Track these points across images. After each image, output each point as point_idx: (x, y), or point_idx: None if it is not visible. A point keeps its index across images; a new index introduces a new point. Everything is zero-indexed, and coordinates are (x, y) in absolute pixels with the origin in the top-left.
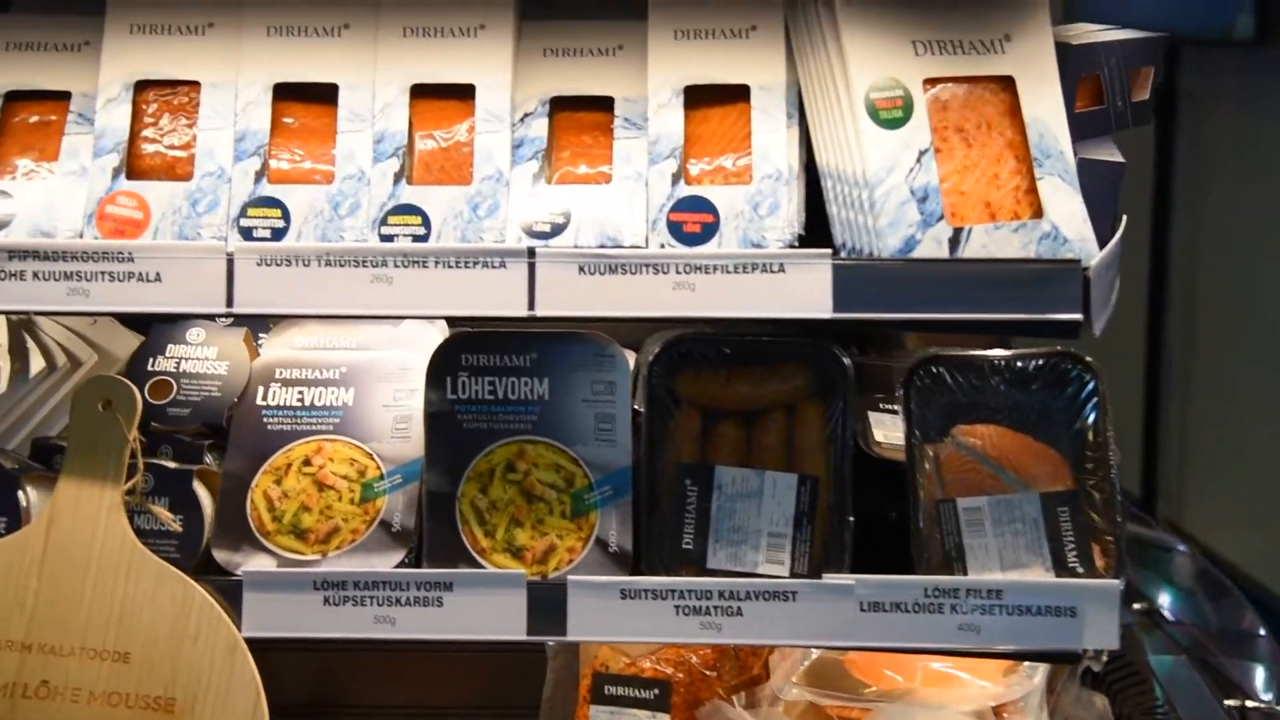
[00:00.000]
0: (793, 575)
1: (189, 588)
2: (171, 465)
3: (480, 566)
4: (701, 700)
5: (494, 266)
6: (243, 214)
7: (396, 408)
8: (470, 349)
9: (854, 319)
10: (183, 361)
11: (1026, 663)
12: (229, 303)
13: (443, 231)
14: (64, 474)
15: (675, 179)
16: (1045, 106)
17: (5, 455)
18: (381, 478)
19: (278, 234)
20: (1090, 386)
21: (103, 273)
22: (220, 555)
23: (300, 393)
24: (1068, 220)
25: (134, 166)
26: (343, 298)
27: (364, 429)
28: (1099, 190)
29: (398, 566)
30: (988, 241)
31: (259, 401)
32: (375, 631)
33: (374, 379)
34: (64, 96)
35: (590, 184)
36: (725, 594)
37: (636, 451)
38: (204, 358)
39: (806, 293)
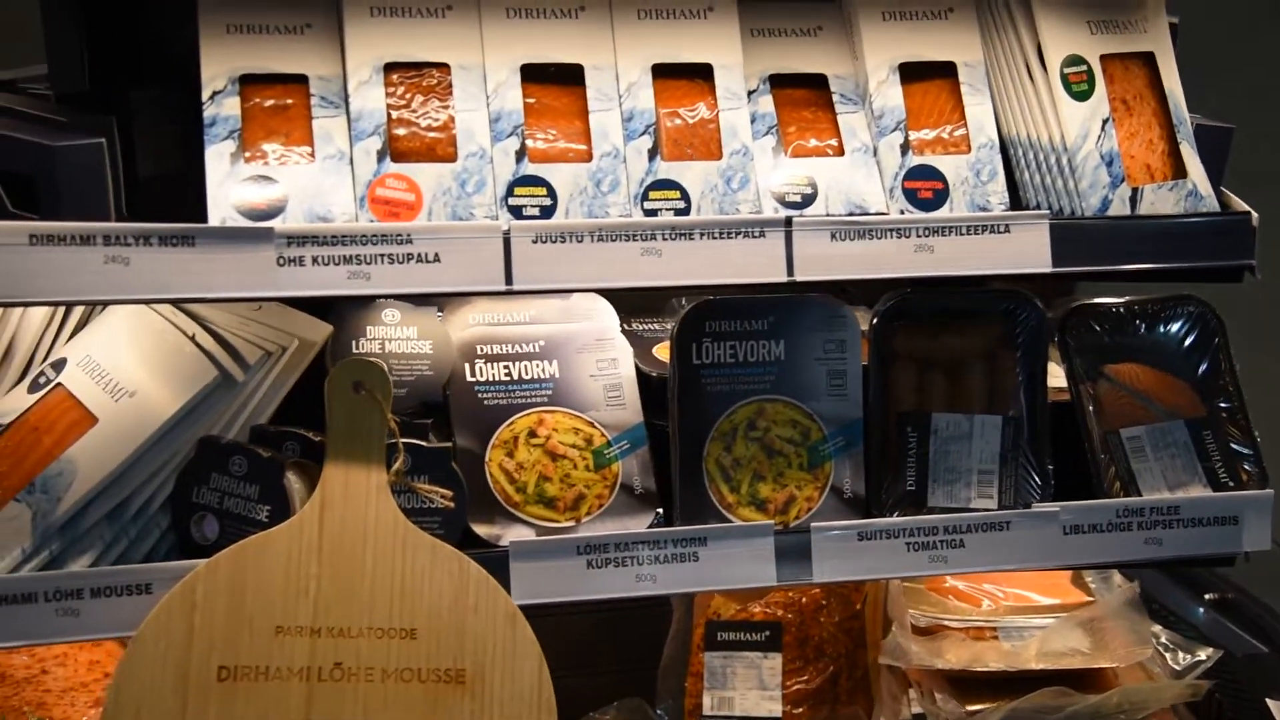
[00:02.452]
0: (1001, 507)
1: (464, 561)
2: (428, 444)
3: (727, 521)
4: (811, 637)
5: (754, 236)
6: (509, 193)
7: (603, 377)
8: (712, 316)
9: (1069, 273)
10: (387, 343)
11: (1090, 576)
12: (508, 280)
13: (701, 205)
14: (329, 459)
15: (904, 150)
16: (1175, 79)
17: (258, 444)
18: (610, 444)
19: (546, 211)
20: (1212, 325)
21: (382, 255)
22: (480, 529)
23: (506, 367)
24: (1201, 179)
25: (394, 149)
26: (615, 271)
27: (578, 399)
28: (1210, 154)
29: (650, 527)
30: (1154, 200)
31: (469, 378)
32: (638, 589)
33: (574, 350)
34: (297, 80)
35: (824, 156)
36: (949, 529)
37: (865, 404)
38: (406, 337)
39: (1028, 250)
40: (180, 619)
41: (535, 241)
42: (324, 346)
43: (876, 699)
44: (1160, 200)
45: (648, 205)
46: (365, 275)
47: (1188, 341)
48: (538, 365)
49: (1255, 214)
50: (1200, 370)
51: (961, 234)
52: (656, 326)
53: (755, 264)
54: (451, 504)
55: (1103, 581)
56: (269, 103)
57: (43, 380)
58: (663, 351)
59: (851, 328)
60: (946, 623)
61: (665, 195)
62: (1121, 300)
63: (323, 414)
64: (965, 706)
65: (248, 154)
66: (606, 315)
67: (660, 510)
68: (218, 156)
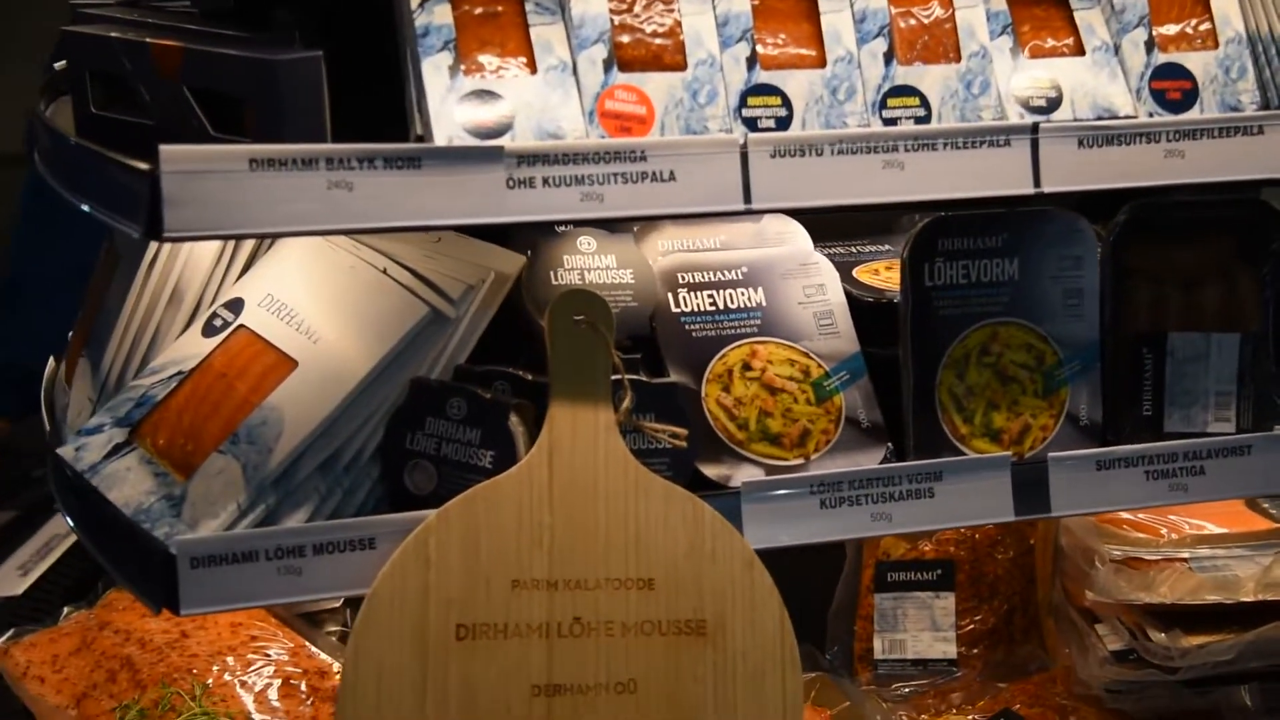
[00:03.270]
0: (1239, 431)
1: (698, 505)
2: (652, 380)
3: (962, 453)
4: (986, 574)
5: (999, 145)
6: (743, 104)
7: (812, 304)
8: (945, 234)
9: None
10: (586, 273)
11: (1267, 503)
12: (746, 199)
13: (942, 112)
14: (555, 398)
15: (1149, 47)
16: None
17: (475, 387)
18: (828, 375)
19: (781, 123)
20: None
21: (615, 174)
22: (708, 470)
23: (711, 296)
24: None
25: (620, 58)
26: (856, 186)
27: (789, 328)
28: None
29: (882, 463)
30: None
31: (674, 309)
32: (874, 530)
33: (778, 277)
34: None
35: (1063, 56)
36: (1189, 454)
37: (1101, 325)
38: (606, 266)
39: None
40: (415, 576)
41: (774, 156)
42: (518, 279)
43: (1048, 637)
44: None
45: (886, 114)
46: (599, 196)
47: None
48: (743, 293)
49: None
50: None
51: (1214, 137)
52: (847, 249)
53: (1000, 175)
54: (683, 443)
55: None
56: (478, 10)
57: (219, 323)
58: (864, 274)
59: (1089, 242)
60: (1142, 555)
61: (904, 102)
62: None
63: (517, 352)
64: (1188, 641)
65: (465, 66)
66: (801, 238)
67: (890, 444)
68: (435, 70)
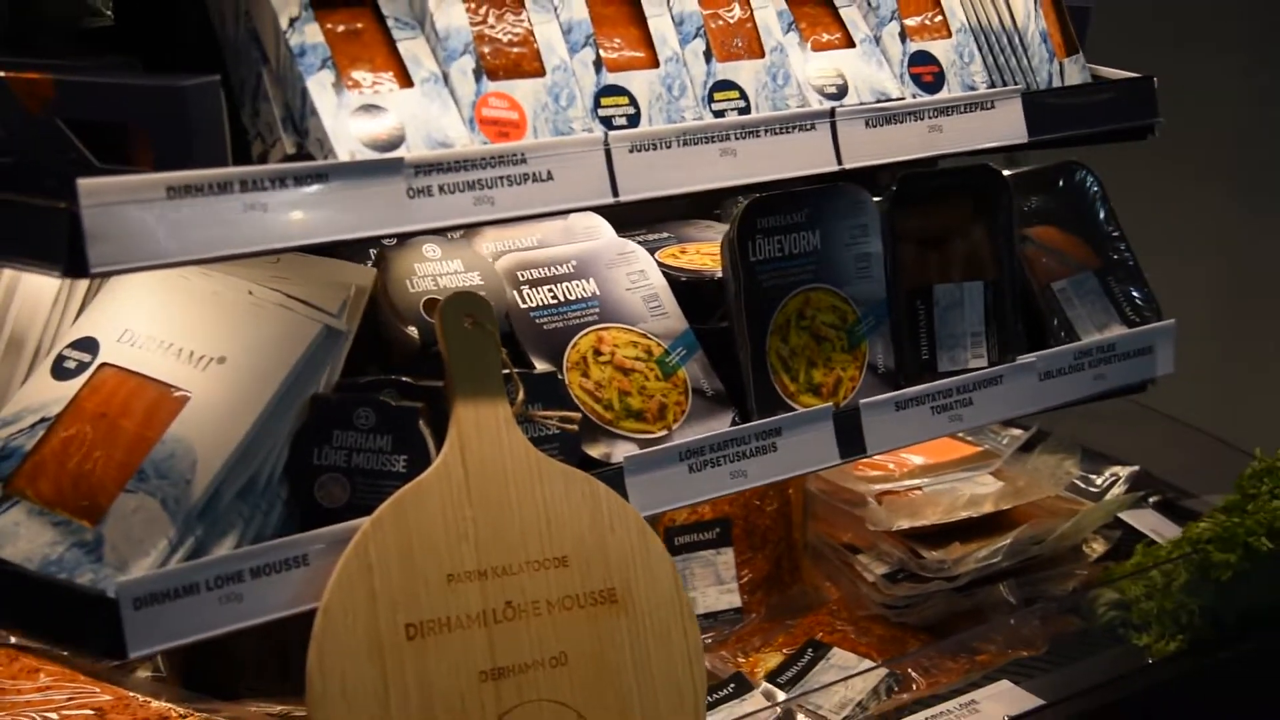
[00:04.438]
0: (990, 364)
1: (593, 483)
2: (534, 372)
3: (792, 409)
4: (757, 527)
5: (807, 129)
6: (597, 105)
7: (638, 289)
8: (762, 213)
9: (1040, 140)
10: (439, 278)
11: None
12: (614, 192)
13: (758, 102)
14: (457, 398)
15: (903, 37)
16: None
17: (378, 394)
18: (668, 352)
19: (632, 120)
20: (1094, 185)
21: (502, 178)
22: (590, 450)
23: (551, 290)
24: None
25: (486, 68)
26: (701, 173)
27: (624, 313)
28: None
29: (731, 425)
30: (1070, 72)
31: (522, 305)
32: (733, 486)
33: (604, 267)
34: (358, 2)
35: (839, 49)
36: (960, 389)
37: (886, 283)
38: (454, 271)
39: (1010, 124)
40: (361, 584)
41: (632, 151)
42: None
43: (808, 576)
44: (1070, 72)
45: (714, 107)
46: (490, 200)
47: (1079, 201)
48: (578, 285)
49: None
50: (1093, 226)
51: (961, 112)
52: (642, 238)
53: (810, 156)
54: (575, 426)
55: (992, 435)
56: (340, 28)
57: (72, 364)
58: (666, 257)
59: (871, 212)
60: (890, 489)
61: (728, 96)
62: (1019, 170)
63: (369, 363)
64: (958, 553)
65: (346, 83)
66: (608, 230)
67: (735, 410)
68: (321, 87)
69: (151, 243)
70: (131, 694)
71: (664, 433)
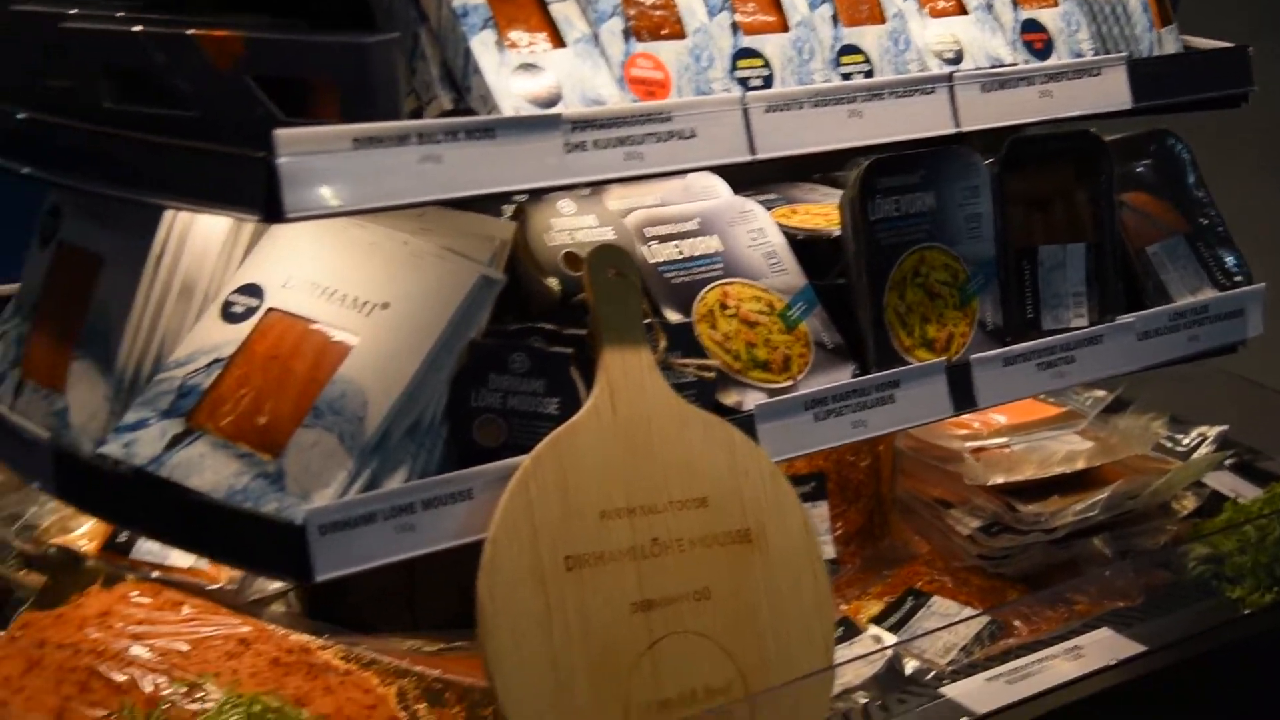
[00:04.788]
0: (1090, 324)
1: (729, 429)
2: (673, 322)
3: (908, 363)
4: (850, 481)
5: (927, 93)
6: (734, 66)
7: (759, 247)
8: (882, 174)
9: (1144, 107)
10: (575, 232)
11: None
12: (751, 150)
13: (881, 66)
14: (605, 344)
15: (1014, 5)
16: None
17: (531, 337)
18: (789, 307)
19: (767, 82)
20: (1184, 152)
21: (650, 135)
22: (723, 398)
23: (677, 246)
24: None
25: (633, 29)
26: (830, 134)
27: (747, 269)
28: None
29: (853, 378)
30: (1166, 41)
31: (650, 260)
32: (854, 435)
33: (725, 224)
34: None
35: (954, 15)
36: (1064, 346)
37: (995, 243)
38: (589, 226)
39: (1113, 90)
40: (523, 517)
41: (768, 110)
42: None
43: (897, 530)
44: (1167, 41)
45: (841, 70)
46: (639, 156)
47: (1169, 168)
48: (703, 241)
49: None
50: (1183, 192)
51: (1070, 78)
52: (757, 198)
53: (929, 119)
54: (713, 374)
55: (1074, 396)
56: None
57: (240, 309)
58: (778, 217)
59: (982, 174)
60: (984, 445)
61: (854, 60)
62: (1113, 137)
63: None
64: (1050, 509)
65: (506, 42)
66: (725, 189)
67: (854, 363)
68: (484, 47)
69: (339, 190)
70: (271, 626)
71: (789, 383)
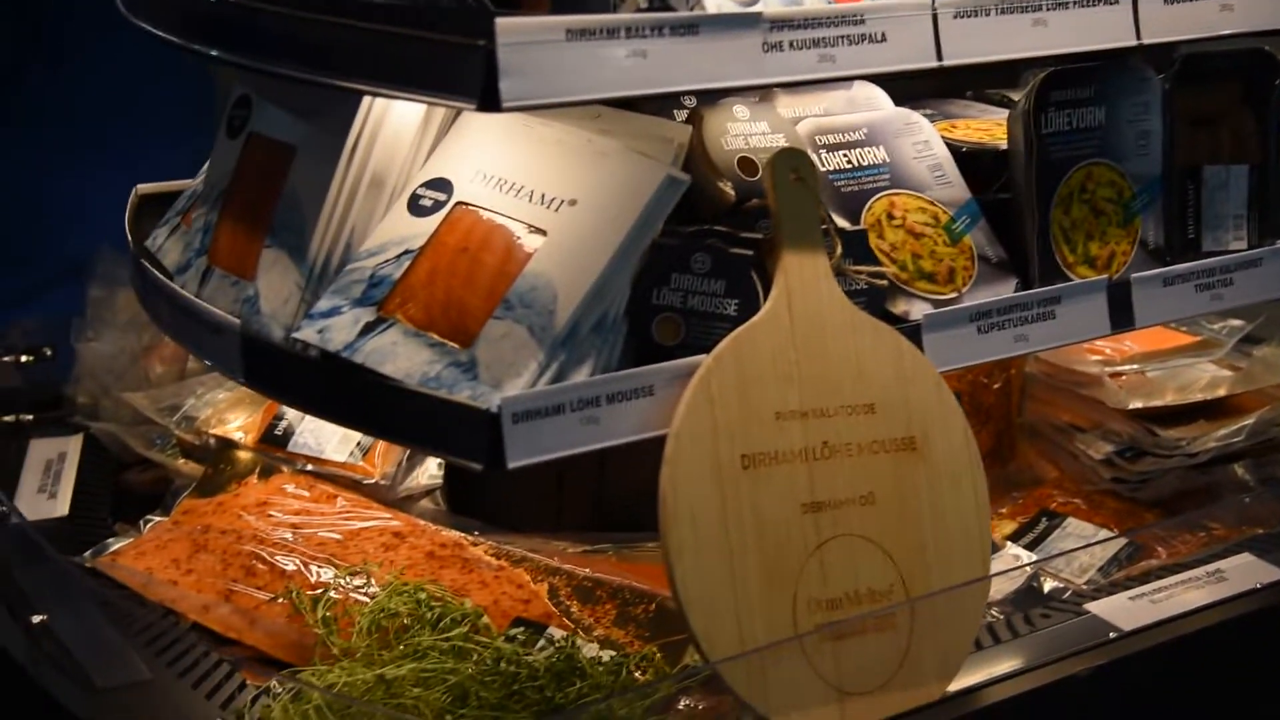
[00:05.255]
0: (1249, 247)
1: (897, 337)
2: (851, 227)
3: (1068, 280)
4: (982, 403)
5: (1111, 3)
6: None
7: (924, 159)
8: (1055, 87)
9: None
10: (749, 138)
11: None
12: (938, 56)
13: None
14: (785, 247)
15: None
16: None
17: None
18: (954, 220)
19: None
20: None
21: (842, 37)
22: (891, 307)
23: (845, 155)
24: None
25: None
26: (1014, 43)
27: (912, 180)
28: None
29: (1016, 291)
30: None
31: (821, 168)
32: (1015, 350)
33: (891, 135)
34: None
35: None
36: (1223, 269)
37: (1163, 161)
38: (763, 132)
39: None
40: (704, 414)
41: (956, 16)
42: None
43: (1025, 453)
44: None
45: None
46: (831, 58)
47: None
48: (870, 152)
49: None
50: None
51: None
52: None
53: (1111, 30)
54: (885, 282)
55: (1208, 326)
56: None
57: (428, 203)
58: (940, 130)
59: (1154, 89)
60: (1119, 371)
61: None
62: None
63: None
64: (1191, 433)
65: None
66: (887, 101)
67: (1017, 277)
68: None
69: (551, 80)
70: (423, 522)
71: (954, 295)
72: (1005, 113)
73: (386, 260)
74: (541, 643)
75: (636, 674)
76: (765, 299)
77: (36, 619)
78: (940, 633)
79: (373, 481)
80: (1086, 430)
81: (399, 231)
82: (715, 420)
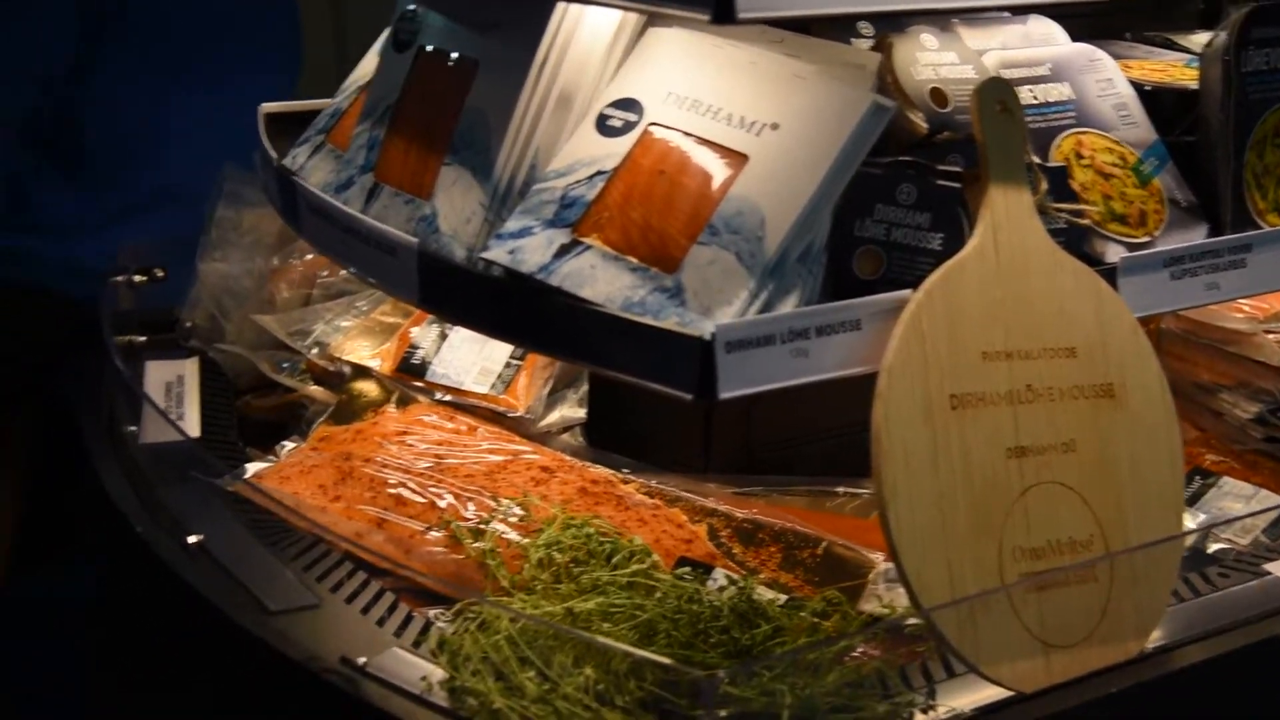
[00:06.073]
0: None
1: (1096, 278)
2: (1053, 165)
3: (1259, 227)
4: None
5: None
6: None
7: (1108, 97)
8: (1257, 24)
9: None
10: (939, 68)
11: None
12: None
13: None
14: (991, 182)
15: None
16: None
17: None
18: (1142, 161)
19: None
20: None
21: None
22: (1086, 248)
23: (1031, 91)
24: None
25: None
26: None
27: (1098, 119)
28: None
29: (1207, 237)
30: None
31: None
32: (1205, 298)
33: (1075, 72)
34: None
35: None
36: None
37: None
38: (952, 63)
39: None
40: (916, 351)
41: None
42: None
43: None
44: None
45: None
46: None
47: None
48: (1055, 88)
49: None
50: None
51: None
52: None
53: None
54: (1087, 221)
55: None
56: None
57: (618, 123)
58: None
59: None
60: (1270, 329)
61: None
62: None
63: None
64: None
65: None
66: (1064, 36)
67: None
68: None
69: None
70: (570, 458)
71: (1147, 239)
72: (1172, 55)
73: (578, 181)
74: (720, 582)
75: (815, 620)
76: (969, 234)
77: (193, 539)
78: (1138, 588)
79: (517, 415)
80: (1230, 388)
81: (589, 152)
82: (926, 357)
